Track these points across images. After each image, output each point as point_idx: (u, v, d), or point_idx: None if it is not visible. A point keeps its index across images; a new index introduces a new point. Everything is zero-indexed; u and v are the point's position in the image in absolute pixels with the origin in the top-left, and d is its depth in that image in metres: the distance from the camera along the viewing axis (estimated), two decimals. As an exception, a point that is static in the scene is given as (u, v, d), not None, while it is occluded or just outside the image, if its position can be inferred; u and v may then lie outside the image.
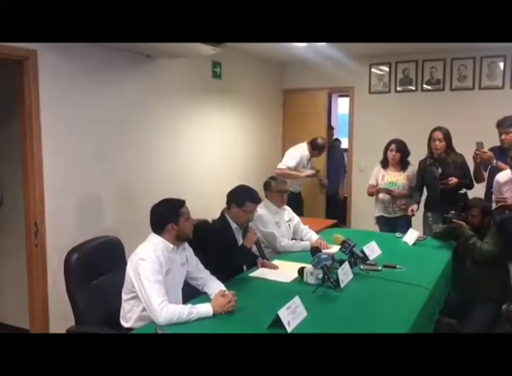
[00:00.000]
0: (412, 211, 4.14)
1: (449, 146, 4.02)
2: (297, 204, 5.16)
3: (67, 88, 3.20)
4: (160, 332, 1.28)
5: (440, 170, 4.00)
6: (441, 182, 3.92)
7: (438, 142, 4.00)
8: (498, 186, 3.57)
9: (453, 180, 3.86)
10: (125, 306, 2.32)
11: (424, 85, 5.26)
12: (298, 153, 4.97)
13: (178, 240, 2.37)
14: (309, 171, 5.02)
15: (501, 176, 3.56)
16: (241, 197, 2.97)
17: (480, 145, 3.73)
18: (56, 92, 3.12)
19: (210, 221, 3.36)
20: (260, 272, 2.94)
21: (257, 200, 3.02)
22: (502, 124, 3.76)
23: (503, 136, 3.75)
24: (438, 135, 4.00)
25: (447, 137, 4.00)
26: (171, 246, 2.36)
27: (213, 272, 2.66)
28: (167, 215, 2.34)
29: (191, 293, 2.51)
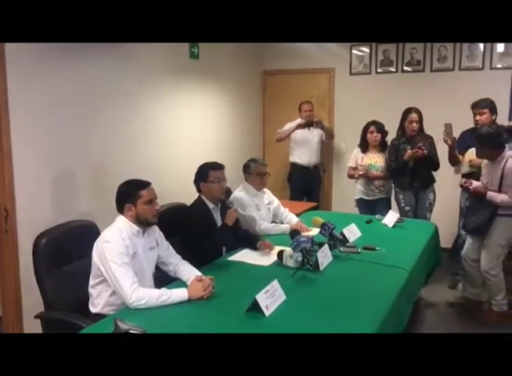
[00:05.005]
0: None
1: (421, 127, 4.17)
2: (309, 179, 5.26)
3: (36, 69, 3.05)
4: (119, 323, 1.21)
5: (409, 149, 4.08)
6: (413, 148, 4.00)
7: (415, 125, 4.12)
8: (483, 167, 3.59)
9: (425, 151, 3.95)
10: (93, 292, 2.27)
11: (405, 67, 5.22)
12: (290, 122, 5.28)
13: (138, 222, 2.31)
14: (297, 120, 5.19)
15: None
16: (203, 172, 2.97)
17: (448, 127, 3.82)
18: (25, 73, 2.98)
19: (188, 205, 3.31)
20: (238, 256, 2.90)
21: (218, 167, 2.99)
22: (477, 105, 3.87)
23: (477, 117, 3.85)
24: (416, 117, 4.12)
25: (421, 118, 4.15)
26: (137, 228, 2.31)
27: (193, 255, 2.62)
28: (125, 195, 2.32)
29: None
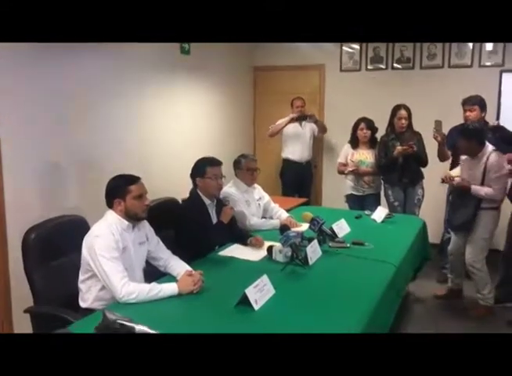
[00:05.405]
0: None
1: (410, 124, 4.23)
2: (301, 175, 5.26)
3: (25, 64, 3.03)
4: (107, 314, 1.22)
5: (399, 145, 4.14)
6: (403, 144, 4.07)
7: (403, 121, 4.18)
8: (461, 162, 3.70)
9: (415, 148, 4.04)
10: (82, 287, 2.28)
11: (394, 64, 5.26)
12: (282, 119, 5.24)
13: (128, 217, 2.32)
14: (290, 115, 5.16)
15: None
16: (200, 168, 2.96)
17: (438, 124, 3.87)
18: (13, 69, 2.96)
19: (179, 200, 3.32)
20: (228, 251, 2.92)
21: (215, 163, 2.98)
22: (468, 102, 3.93)
23: (468, 113, 3.91)
24: (405, 113, 4.18)
25: (410, 115, 4.21)
26: (126, 223, 2.31)
27: (186, 250, 2.63)
28: (114, 190, 2.32)
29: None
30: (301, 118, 5.16)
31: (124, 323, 1.21)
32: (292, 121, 5.16)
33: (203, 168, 2.94)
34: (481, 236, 3.50)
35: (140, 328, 1.23)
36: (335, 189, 5.15)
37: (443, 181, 3.65)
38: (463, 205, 3.50)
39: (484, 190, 3.40)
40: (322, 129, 5.36)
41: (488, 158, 3.40)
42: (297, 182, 5.28)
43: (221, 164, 3.02)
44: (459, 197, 3.55)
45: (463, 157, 3.61)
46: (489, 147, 3.45)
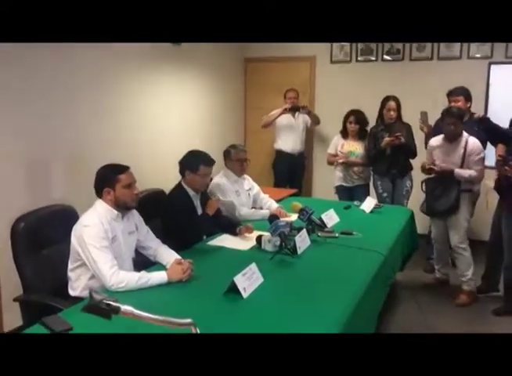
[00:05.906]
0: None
1: (399, 115, 4.27)
2: (293, 167, 5.27)
3: (13, 56, 2.99)
4: (93, 294, 1.23)
5: (387, 136, 4.18)
6: (391, 136, 4.10)
7: (392, 112, 4.21)
8: (430, 149, 3.76)
9: (402, 139, 4.07)
10: (72, 275, 2.29)
11: (384, 55, 5.27)
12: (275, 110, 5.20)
13: (117, 207, 2.32)
14: (283, 106, 5.11)
15: (433, 141, 3.76)
16: (194, 162, 2.93)
17: (423, 115, 3.92)
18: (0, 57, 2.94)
19: (167, 191, 3.32)
20: (218, 241, 2.94)
21: (210, 163, 2.95)
22: (453, 93, 3.99)
23: (453, 104, 3.94)
24: (394, 105, 4.21)
25: (399, 107, 4.24)
26: (116, 212, 2.32)
27: (173, 241, 2.63)
28: (103, 179, 2.32)
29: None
30: (293, 109, 5.15)
31: (110, 303, 1.23)
32: (285, 112, 5.15)
33: (197, 164, 2.90)
34: (463, 217, 3.63)
35: (125, 308, 1.24)
36: (326, 180, 5.18)
37: (423, 170, 3.71)
38: (446, 190, 3.58)
39: (468, 173, 3.52)
40: (315, 121, 5.36)
41: (467, 142, 3.53)
42: (289, 173, 5.29)
43: (215, 163, 3.00)
44: (440, 182, 3.62)
45: (435, 144, 3.70)
46: (465, 133, 3.57)
